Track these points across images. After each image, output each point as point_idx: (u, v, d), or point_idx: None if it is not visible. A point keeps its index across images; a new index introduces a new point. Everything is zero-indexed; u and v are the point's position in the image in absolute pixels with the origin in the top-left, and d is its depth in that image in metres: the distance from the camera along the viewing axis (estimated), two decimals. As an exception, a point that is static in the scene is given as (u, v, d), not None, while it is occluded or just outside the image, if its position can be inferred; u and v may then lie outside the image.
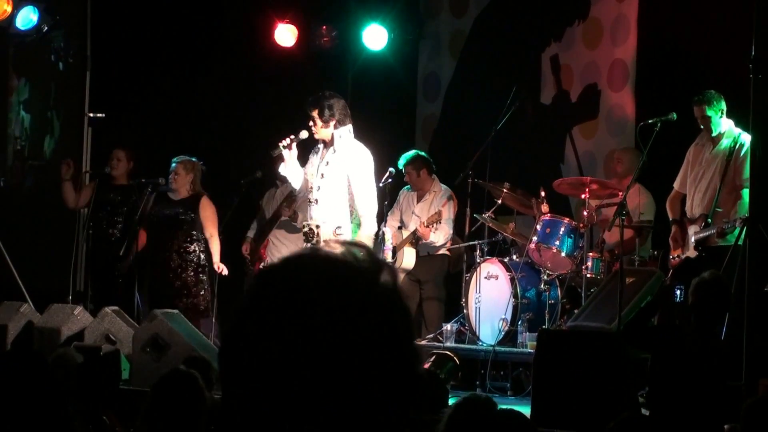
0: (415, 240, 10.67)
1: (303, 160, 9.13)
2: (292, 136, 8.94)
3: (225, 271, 10.40)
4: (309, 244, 8.81)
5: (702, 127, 8.74)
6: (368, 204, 8.80)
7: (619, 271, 8.73)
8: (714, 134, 8.66)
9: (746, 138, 8.53)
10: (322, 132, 8.80)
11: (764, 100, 6.93)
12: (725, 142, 8.67)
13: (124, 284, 10.93)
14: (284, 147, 8.94)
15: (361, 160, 8.81)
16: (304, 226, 8.87)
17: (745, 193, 8.51)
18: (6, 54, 12.58)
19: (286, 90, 11.60)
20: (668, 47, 10.50)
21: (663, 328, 8.33)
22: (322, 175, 8.79)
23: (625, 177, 9.89)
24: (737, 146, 8.59)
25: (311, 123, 8.79)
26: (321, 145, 8.94)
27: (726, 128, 8.68)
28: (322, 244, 8.59)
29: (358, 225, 8.80)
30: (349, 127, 8.89)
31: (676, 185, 9.11)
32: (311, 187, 8.86)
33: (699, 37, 10.14)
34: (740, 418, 4.72)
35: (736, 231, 8.39)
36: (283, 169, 9.20)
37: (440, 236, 10.74)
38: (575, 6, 11.41)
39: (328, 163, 8.80)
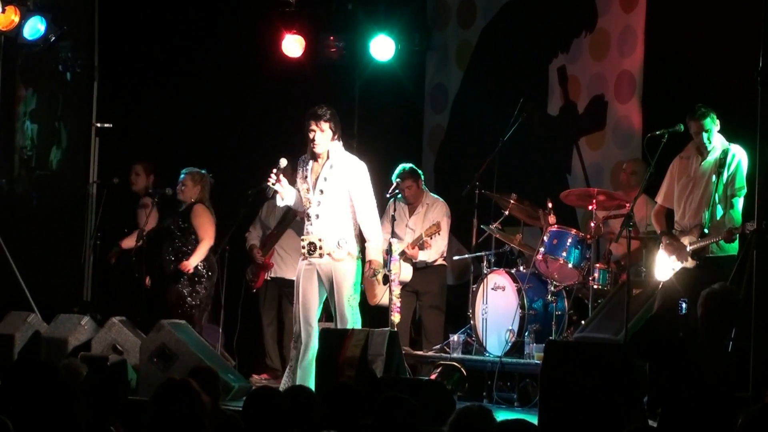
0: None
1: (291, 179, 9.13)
2: (275, 170, 8.86)
3: (189, 269, 10.22)
4: (310, 257, 8.77)
5: (700, 140, 8.68)
6: (374, 219, 8.84)
7: (626, 282, 8.73)
8: (709, 147, 8.65)
9: (736, 149, 8.56)
10: (325, 144, 8.75)
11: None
12: (715, 154, 8.65)
13: (128, 294, 10.95)
14: (273, 184, 8.86)
15: (362, 175, 8.82)
16: (303, 240, 8.84)
17: (736, 201, 8.53)
18: (13, 64, 12.59)
19: (294, 100, 11.61)
20: (675, 59, 10.49)
21: (669, 339, 8.31)
22: (322, 191, 8.77)
23: (635, 188, 9.87)
24: (728, 157, 8.58)
25: (314, 135, 8.70)
26: (308, 158, 8.88)
27: (717, 141, 8.68)
28: (325, 256, 8.59)
29: (359, 237, 8.83)
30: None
31: (659, 200, 9.04)
32: (310, 203, 8.82)
33: (706, 48, 10.14)
34: (739, 426, 4.66)
35: (734, 244, 8.40)
36: (281, 201, 9.08)
37: (432, 253, 10.67)
38: (582, 17, 11.41)
39: (326, 179, 8.76)
